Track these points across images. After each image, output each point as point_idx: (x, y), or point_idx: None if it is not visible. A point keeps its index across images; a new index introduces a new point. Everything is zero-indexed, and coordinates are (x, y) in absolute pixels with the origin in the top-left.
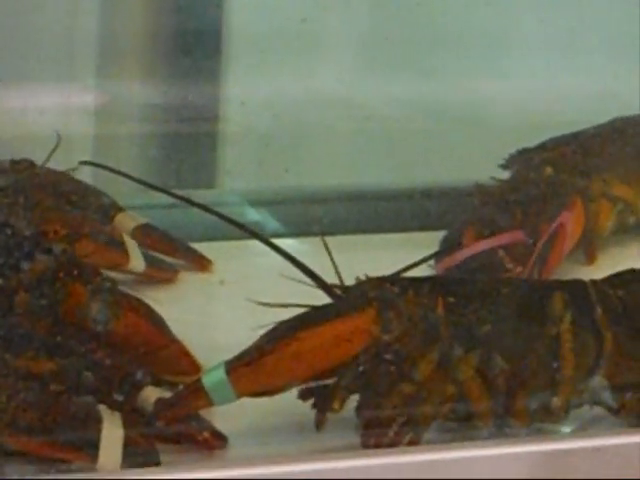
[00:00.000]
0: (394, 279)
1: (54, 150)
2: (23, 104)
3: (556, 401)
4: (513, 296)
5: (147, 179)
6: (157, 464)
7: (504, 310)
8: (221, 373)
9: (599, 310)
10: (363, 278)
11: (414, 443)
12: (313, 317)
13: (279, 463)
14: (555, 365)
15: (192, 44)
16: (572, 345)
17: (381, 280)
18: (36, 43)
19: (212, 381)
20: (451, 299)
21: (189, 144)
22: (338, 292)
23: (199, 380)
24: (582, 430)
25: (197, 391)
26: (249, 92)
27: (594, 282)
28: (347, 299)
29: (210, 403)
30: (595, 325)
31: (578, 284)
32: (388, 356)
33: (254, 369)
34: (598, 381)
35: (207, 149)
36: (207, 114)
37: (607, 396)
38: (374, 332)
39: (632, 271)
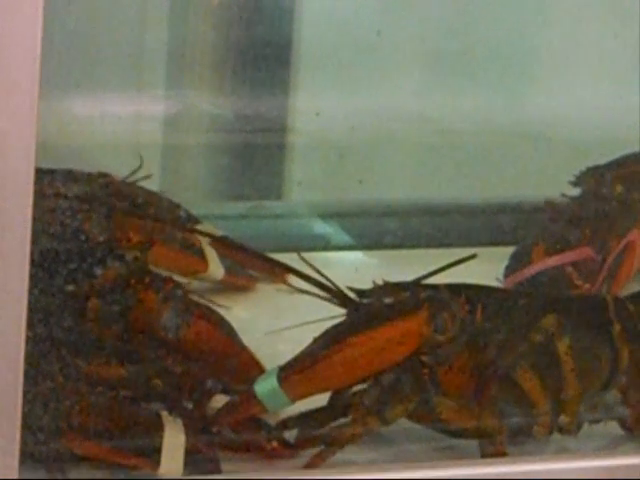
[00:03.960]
0: (411, 284)
1: (137, 170)
2: (94, 112)
3: (564, 418)
4: (518, 310)
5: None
6: (218, 472)
7: (510, 324)
8: (273, 381)
9: (617, 326)
10: (379, 283)
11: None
12: (364, 321)
13: (343, 472)
14: (558, 383)
15: (262, 55)
16: (572, 367)
17: (398, 285)
18: (107, 53)
19: (265, 389)
20: (486, 307)
21: (256, 155)
22: (354, 297)
23: (252, 388)
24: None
25: (250, 399)
26: (320, 104)
27: (616, 298)
28: (399, 302)
29: (264, 410)
30: (612, 340)
31: (597, 299)
32: (437, 357)
33: (306, 376)
34: (613, 396)
35: (275, 160)
36: (275, 125)
37: (622, 411)
38: (426, 333)
39: None
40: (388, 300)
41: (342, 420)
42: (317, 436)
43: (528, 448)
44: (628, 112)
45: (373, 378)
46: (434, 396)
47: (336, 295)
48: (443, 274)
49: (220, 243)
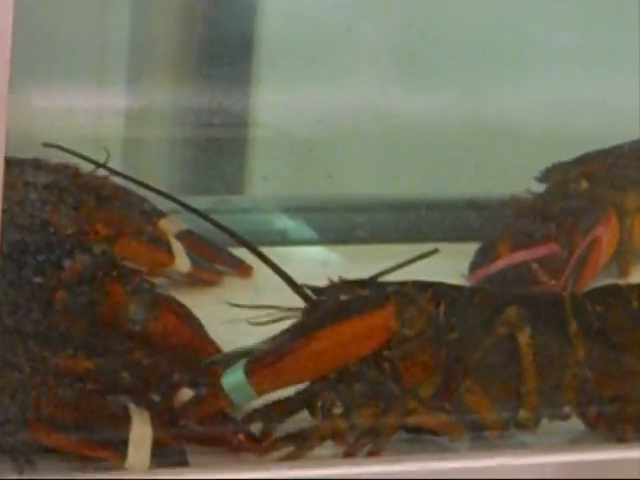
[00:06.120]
0: (369, 282)
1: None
2: (60, 106)
3: (523, 412)
4: (479, 306)
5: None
6: (185, 464)
7: (470, 320)
8: (240, 375)
9: (574, 324)
10: (336, 280)
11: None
12: (332, 315)
13: (308, 466)
14: (518, 377)
15: (225, 49)
16: (533, 359)
17: (354, 282)
18: (72, 48)
19: (232, 383)
20: (448, 304)
21: (220, 149)
22: (311, 294)
23: (219, 382)
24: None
25: (217, 393)
26: (285, 97)
27: (573, 296)
28: (366, 296)
29: (231, 404)
30: (568, 339)
31: (554, 297)
32: (405, 351)
33: (273, 370)
34: (570, 394)
35: (239, 154)
36: (239, 119)
37: (580, 410)
38: (393, 327)
39: (614, 286)
40: (345, 297)
41: (305, 412)
42: (287, 437)
43: (486, 443)
44: (594, 107)
45: (337, 374)
46: (398, 398)
47: (295, 291)
48: (410, 270)
49: (184, 237)
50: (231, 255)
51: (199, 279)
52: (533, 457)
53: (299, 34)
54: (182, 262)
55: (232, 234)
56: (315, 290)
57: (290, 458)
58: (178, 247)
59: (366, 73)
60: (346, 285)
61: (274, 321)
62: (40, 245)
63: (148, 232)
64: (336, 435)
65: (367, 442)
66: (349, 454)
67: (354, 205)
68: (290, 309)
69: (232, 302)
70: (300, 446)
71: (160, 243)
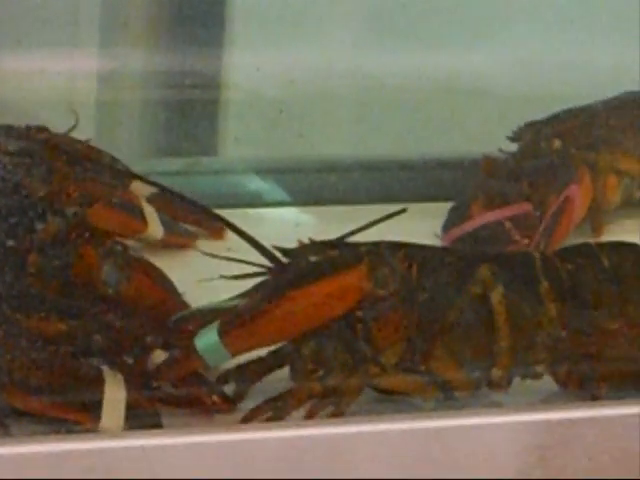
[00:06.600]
0: (338, 242)
1: (73, 128)
2: (31, 69)
3: (496, 371)
4: (451, 266)
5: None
6: (159, 426)
7: (443, 280)
8: (214, 336)
9: (545, 283)
10: (306, 242)
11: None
12: (304, 275)
13: (284, 427)
14: (491, 336)
15: (196, 10)
16: (506, 317)
17: (325, 244)
18: (42, 9)
19: (205, 344)
20: (421, 265)
21: (192, 111)
22: (279, 256)
23: (192, 343)
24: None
25: (191, 354)
26: (257, 59)
27: (544, 255)
28: (339, 256)
29: (204, 364)
30: (539, 298)
31: (525, 256)
32: (378, 311)
33: (246, 330)
34: (542, 353)
35: (211, 116)
36: (211, 81)
37: (552, 369)
38: (366, 288)
39: (585, 245)
40: (315, 258)
41: (277, 373)
42: (265, 404)
43: (458, 403)
44: (565, 67)
45: (310, 335)
46: (367, 359)
47: (262, 253)
48: (383, 231)
49: (157, 198)
50: (206, 215)
51: (172, 244)
52: (506, 416)
53: None
54: (155, 229)
55: (192, 202)
56: (284, 252)
57: (268, 420)
58: (151, 212)
59: (338, 33)
60: (316, 246)
61: (250, 276)
62: (13, 208)
63: (120, 198)
64: (313, 397)
65: (329, 403)
66: (311, 415)
67: (327, 166)
68: (265, 266)
69: (206, 254)
70: (279, 410)
71: (133, 210)
